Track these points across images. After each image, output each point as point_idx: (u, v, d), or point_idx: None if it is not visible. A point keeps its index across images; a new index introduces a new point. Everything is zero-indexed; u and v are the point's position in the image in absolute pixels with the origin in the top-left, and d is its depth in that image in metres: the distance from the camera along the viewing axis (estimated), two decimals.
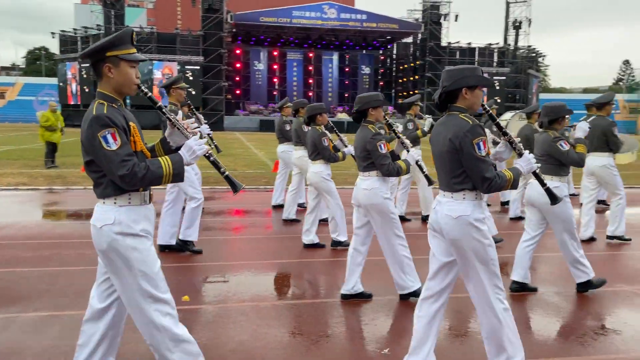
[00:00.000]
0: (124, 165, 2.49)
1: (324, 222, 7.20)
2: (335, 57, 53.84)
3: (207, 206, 8.53)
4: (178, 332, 2.62)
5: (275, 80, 51.84)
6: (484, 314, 3.03)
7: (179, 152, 2.71)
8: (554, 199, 3.37)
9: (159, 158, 2.66)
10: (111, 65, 2.62)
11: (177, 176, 2.63)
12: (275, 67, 51.75)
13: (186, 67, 39.83)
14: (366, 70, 54.37)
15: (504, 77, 49.49)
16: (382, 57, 56.10)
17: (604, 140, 6.17)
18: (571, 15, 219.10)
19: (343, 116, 47.25)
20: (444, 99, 3.11)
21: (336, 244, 6.41)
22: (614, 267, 5.95)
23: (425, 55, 47.76)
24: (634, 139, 7.82)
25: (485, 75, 3.20)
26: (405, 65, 53.38)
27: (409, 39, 52.79)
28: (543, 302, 4.69)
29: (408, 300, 4.58)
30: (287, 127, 8.23)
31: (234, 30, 45.36)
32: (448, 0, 48.23)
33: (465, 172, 2.98)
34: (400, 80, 54.80)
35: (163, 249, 5.87)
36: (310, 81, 53.29)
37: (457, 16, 48.78)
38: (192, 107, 6.20)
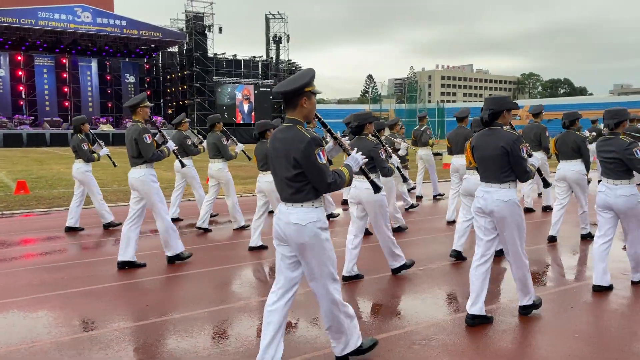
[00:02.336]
0: (330, 175, 3.11)
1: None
2: (94, 64, 49.63)
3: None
4: (345, 305, 3.31)
5: (21, 88, 45.38)
6: (516, 263, 4.13)
7: (347, 163, 3.33)
8: (376, 188, 3.82)
9: (340, 168, 3.26)
10: (306, 98, 3.18)
11: (350, 182, 3.32)
12: (20, 73, 45.31)
13: None
14: (131, 79, 51.46)
15: (269, 89, 52.14)
16: (147, 66, 53.79)
17: (577, 148, 6.62)
18: (327, 33, 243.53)
19: (107, 128, 43.82)
20: (489, 118, 4.13)
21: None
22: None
23: (193, 65, 47.45)
24: None
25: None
26: (173, 75, 52.25)
27: (175, 49, 51.82)
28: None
29: (399, 273, 5.45)
30: (189, 142, 8.58)
31: None
32: (211, 12, 48.80)
33: (511, 168, 4.03)
34: (168, 90, 53.37)
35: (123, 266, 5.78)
36: (66, 90, 48.16)
37: (220, 28, 49.68)
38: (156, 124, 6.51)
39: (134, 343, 3.83)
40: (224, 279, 5.42)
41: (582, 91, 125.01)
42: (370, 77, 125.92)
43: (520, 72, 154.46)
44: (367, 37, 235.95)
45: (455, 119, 8.05)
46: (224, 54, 51.58)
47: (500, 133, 4.09)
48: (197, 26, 47.53)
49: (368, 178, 3.76)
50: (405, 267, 5.52)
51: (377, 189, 3.79)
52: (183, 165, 7.52)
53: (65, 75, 48.31)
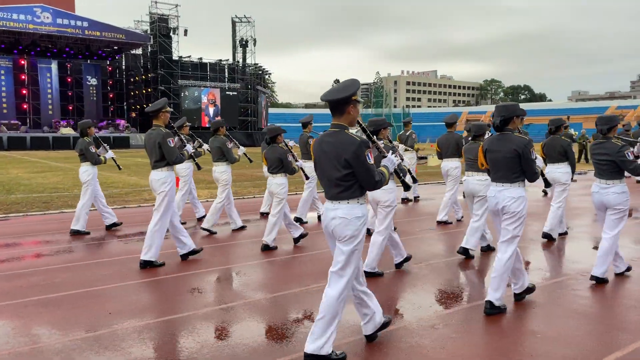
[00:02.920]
0: (377, 174, 3.47)
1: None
2: (54, 65, 48.29)
3: None
4: (344, 304, 3.54)
5: None
6: (504, 255, 4.47)
7: (385, 164, 3.71)
8: (406, 187, 4.16)
9: (380, 168, 3.65)
10: (353, 105, 3.47)
11: (388, 181, 3.78)
12: None
13: None
14: (92, 81, 50.31)
15: (235, 92, 51.83)
16: (109, 68, 52.65)
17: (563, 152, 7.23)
18: (294, 37, 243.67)
19: (67, 131, 42.63)
20: (500, 123, 4.51)
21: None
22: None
23: (157, 68, 46.73)
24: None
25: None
26: (137, 78, 51.33)
27: (138, 51, 50.96)
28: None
29: (402, 268, 5.79)
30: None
31: None
32: (176, 14, 48.20)
33: (521, 169, 4.44)
34: (132, 93, 52.39)
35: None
36: (25, 92, 46.70)
37: (186, 30, 49.14)
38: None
39: (94, 353, 3.73)
40: (186, 286, 5.34)
41: (541, 97, 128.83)
42: (337, 81, 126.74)
43: (483, 78, 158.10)
44: (334, 41, 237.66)
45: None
46: (189, 57, 51.01)
47: (512, 137, 4.49)
48: (161, 28, 46.87)
49: (400, 178, 4.25)
50: (407, 259, 5.95)
51: (407, 187, 4.18)
52: (199, 167, 7.66)
53: (23, 77, 46.89)
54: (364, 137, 3.53)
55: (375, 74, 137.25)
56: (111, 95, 52.40)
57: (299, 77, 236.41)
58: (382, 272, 5.63)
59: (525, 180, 4.52)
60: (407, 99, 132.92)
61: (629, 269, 5.56)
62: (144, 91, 49.53)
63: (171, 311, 4.53)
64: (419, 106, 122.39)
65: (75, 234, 7.92)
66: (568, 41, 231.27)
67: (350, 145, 3.36)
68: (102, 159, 8.17)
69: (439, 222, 8.68)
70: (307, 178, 8.26)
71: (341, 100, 3.42)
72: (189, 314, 4.46)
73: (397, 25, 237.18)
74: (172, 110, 6.20)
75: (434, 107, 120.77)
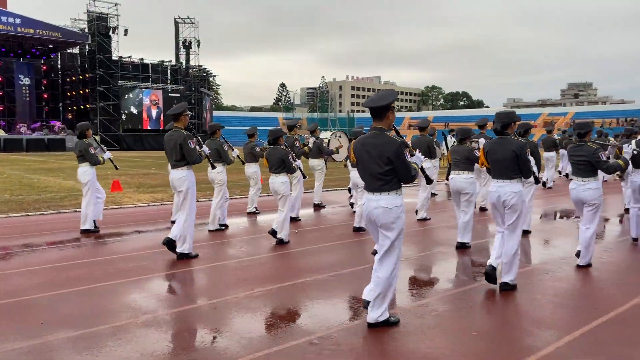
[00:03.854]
0: (413, 169, 4.07)
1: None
2: None
3: None
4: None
5: None
6: (511, 241, 5.10)
7: (414, 161, 4.18)
8: (428, 180, 4.86)
9: (412, 164, 4.13)
10: (391, 112, 4.09)
11: (416, 177, 4.19)
12: None
13: None
14: (25, 80, 47.78)
15: (179, 94, 50.74)
16: (44, 67, 50.15)
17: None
18: (240, 40, 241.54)
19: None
20: (501, 128, 5.18)
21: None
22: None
23: (96, 68, 45.02)
24: None
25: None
26: (73, 78, 49.25)
27: (76, 50, 48.93)
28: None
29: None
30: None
31: None
32: (116, 13, 46.64)
33: (519, 167, 5.06)
34: (68, 94, 50.21)
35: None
36: None
37: (126, 30, 47.64)
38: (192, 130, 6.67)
39: None
40: (118, 295, 5.18)
41: (479, 104, 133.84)
42: (283, 85, 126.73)
43: (424, 84, 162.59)
44: (281, 45, 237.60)
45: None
46: (129, 57, 49.49)
47: (511, 140, 5.15)
48: (100, 27, 45.17)
49: (424, 172, 4.66)
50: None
51: (429, 181, 4.95)
52: (214, 167, 7.81)
53: None
54: (400, 138, 4.08)
55: (320, 78, 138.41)
56: (45, 96, 49.93)
57: (245, 80, 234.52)
58: None
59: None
60: (352, 103, 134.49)
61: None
62: (82, 92, 47.59)
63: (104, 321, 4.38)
64: (363, 111, 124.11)
65: (86, 232, 8.18)
66: (504, 51, 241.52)
67: (392, 145, 3.99)
68: (100, 159, 8.36)
69: (419, 220, 9.21)
70: (305, 177, 8.89)
71: (382, 107, 4.04)
72: (122, 323, 4.33)
73: (344, 31, 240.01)
74: (102, 111, 6.15)
75: None
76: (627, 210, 9.39)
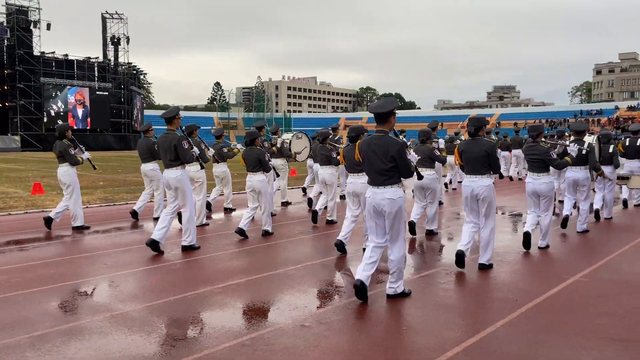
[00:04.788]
0: (412, 166, 4.91)
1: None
2: None
3: None
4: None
5: None
6: (487, 228, 5.95)
7: (411, 159, 5.11)
8: (420, 176, 5.93)
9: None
10: (393, 116, 4.75)
11: (414, 173, 5.02)
12: None
13: None
14: None
15: (107, 93, 48.74)
16: None
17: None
18: (172, 37, 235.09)
19: None
20: (474, 131, 6.00)
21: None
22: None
23: (15, 63, 42.38)
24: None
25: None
26: None
27: None
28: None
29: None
30: (156, 147, 8.79)
31: None
32: (37, 6, 44.13)
33: (490, 164, 5.89)
34: None
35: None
36: None
37: (49, 24, 45.20)
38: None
39: None
40: (42, 302, 4.91)
41: (411, 105, 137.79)
42: (217, 84, 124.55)
43: (359, 85, 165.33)
44: (216, 44, 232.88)
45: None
46: (53, 52, 46.99)
47: (482, 141, 5.97)
48: (20, 21, 42.64)
49: (416, 170, 5.64)
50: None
51: (420, 177, 5.99)
52: (202, 167, 8.37)
53: None
54: (401, 140, 4.75)
55: (256, 78, 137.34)
56: None
57: (179, 78, 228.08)
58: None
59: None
60: (289, 103, 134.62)
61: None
62: (0, 89, 44.65)
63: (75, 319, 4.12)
64: (300, 111, 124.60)
65: (78, 229, 8.47)
66: (435, 54, 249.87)
67: (395, 145, 4.65)
68: (80, 159, 8.55)
69: (429, 234, 8.49)
70: (278, 175, 9.83)
71: (386, 112, 4.68)
72: (41, 332, 4.10)
73: (281, 31, 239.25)
74: (31, 109, 6.05)
75: (314, 112, 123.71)
76: (561, 202, 10.46)
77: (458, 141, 13.39)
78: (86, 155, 8.77)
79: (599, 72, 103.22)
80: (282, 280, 5.57)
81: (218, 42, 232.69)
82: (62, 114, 46.07)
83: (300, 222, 9.41)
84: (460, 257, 5.79)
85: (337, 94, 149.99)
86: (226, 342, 3.87)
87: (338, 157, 8.10)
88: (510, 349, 3.73)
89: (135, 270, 5.99)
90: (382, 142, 4.68)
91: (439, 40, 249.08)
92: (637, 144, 10.18)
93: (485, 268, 5.89)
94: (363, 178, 6.31)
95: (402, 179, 4.78)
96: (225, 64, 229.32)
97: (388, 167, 4.63)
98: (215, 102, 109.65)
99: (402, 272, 4.87)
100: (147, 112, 71.74)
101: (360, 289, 4.64)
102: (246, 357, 3.63)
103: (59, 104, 46.23)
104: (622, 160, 9.93)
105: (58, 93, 46.08)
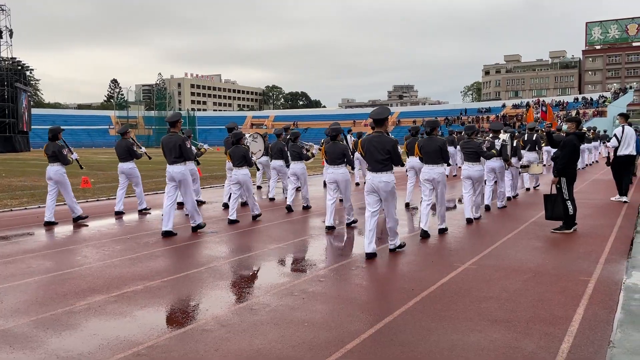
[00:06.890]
0: (401, 157, 6.69)
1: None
2: None
3: None
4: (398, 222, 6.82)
5: None
6: (440, 204, 7.87)
7: (399, 153, 6.67)
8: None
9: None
10: (387, 121, 6.45)
11: (403, 164, 7.19)
12: None
13: None
14: None
15: None
16: None
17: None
18: (65, 32, 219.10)
19: None
20: (430, 131, 7.88)
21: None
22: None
23: None
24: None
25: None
26: None
27: None
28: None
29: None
30: (135, 148, 10.39)
31: None
32: None
33: (442, 156, 7.69)
34: None
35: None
36: None
37: None
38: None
39: None
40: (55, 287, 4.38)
41: (317, 103, 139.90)
42: (115, 81, 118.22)
43: (264, 84, 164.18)
44: (115, 39, 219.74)
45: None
46: None
47: (437, 139, 7.80)
48: None
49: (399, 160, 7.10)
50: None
51: (402, 164, 7.09)
52: (198, 163, 9.75)
53: None
54: (393, 138, 6.49)
55: (157, 75, 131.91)
56: None
57: (72, 75, 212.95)
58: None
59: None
60: (193, 102, 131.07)
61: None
62: None
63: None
64: (204, 109, 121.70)
65: (78, 220, 9.40)
66: (340, 54, 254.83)
67: (390, 141, 6.39)
68: (70, 160, 9.37)
69: (441, 233, 8.17)
70: (258, 169, 12.34)
71: (383, 118, 6.42)
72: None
73: (183, 28, 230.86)
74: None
75: (219, 110, 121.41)
76: (527, 189, 13.71)
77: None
78: (75, 156, 9.70)
79: (487, 73, 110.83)
80: (188, 283, 5.41)
81: (117, 38, 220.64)
82: None
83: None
84: (425, 233, 7.57)
85: (243, 92, 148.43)
86: (120, 353, 3.68)
87: (308, 154, 10.59)
88: (404, 338, 3.90)
89: (19, 283, 5.52)
90: (380, 139, 6.39)
91: (342, 39, 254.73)
92: (534, 138, 13.08)
93: (444, 232, 7.86)
94: (342, 169, 8.25)
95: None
96: (123, 61, 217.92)
97: (384, 158, 6.33)
98: (112, 100, 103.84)
99: (397, 232, 6.69)
100: (35, 110, 66.54)
101: (372, 255, 6.34)
102: (188, 346, 3.47)
103: None
104: (522, 152, 12.45)
105: None
